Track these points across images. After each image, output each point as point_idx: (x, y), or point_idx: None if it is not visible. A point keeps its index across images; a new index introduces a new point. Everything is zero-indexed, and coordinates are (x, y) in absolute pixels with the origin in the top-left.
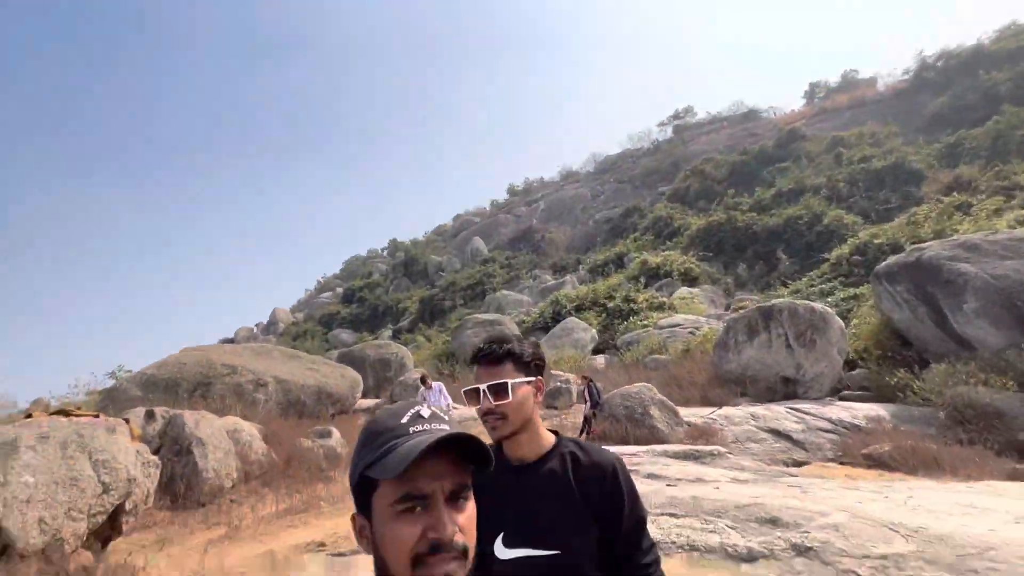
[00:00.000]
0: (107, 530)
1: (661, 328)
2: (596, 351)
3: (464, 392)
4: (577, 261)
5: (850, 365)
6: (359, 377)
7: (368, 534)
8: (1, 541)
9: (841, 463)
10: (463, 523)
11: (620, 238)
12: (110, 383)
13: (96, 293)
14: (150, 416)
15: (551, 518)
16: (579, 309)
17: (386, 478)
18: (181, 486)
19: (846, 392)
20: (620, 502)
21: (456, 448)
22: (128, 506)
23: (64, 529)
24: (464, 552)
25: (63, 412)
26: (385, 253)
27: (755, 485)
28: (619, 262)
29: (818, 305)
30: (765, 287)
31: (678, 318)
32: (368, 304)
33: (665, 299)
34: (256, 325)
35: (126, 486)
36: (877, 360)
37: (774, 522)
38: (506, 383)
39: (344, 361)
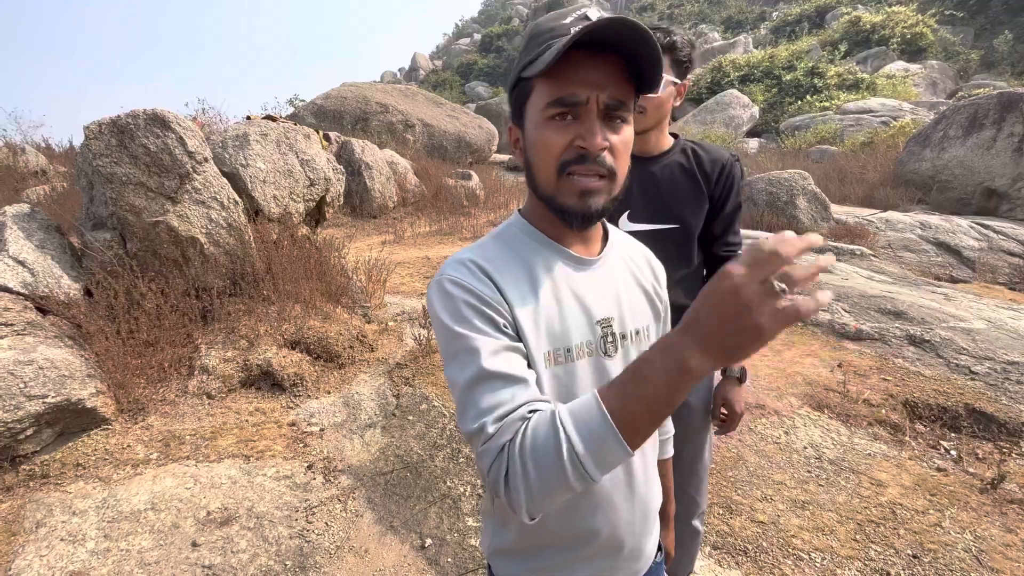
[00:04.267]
0: (316, 215)
1: (845, 113)
2: (751, 134)
3: None
4: (761, 15)
5: None
6: (495, 130)
7: (521, 144)
8: (254, 207)
9: (1012, 288)
10: (616, 143)
11: None
12: (290, 110)
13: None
14: (326, 139)
15: (675, 198)
16: (745, 80)
17: (536, 73)
18: (357, 200)
19: None
20: (731, 189)
21: (623, 58)
22: (328, 199)
23: (290, 206)
24: (612, 173)
25: (270, 118)
26: None
27: (891, 285)
28: (818, 19)
29: None
30: None
31: (873, 102)
32: (506, 55)
33: (866, 75)
34: (399, 70)
35: (324, 183)
36: None
37: (898, 315)
38: (672, 81)
39: (481, 114)
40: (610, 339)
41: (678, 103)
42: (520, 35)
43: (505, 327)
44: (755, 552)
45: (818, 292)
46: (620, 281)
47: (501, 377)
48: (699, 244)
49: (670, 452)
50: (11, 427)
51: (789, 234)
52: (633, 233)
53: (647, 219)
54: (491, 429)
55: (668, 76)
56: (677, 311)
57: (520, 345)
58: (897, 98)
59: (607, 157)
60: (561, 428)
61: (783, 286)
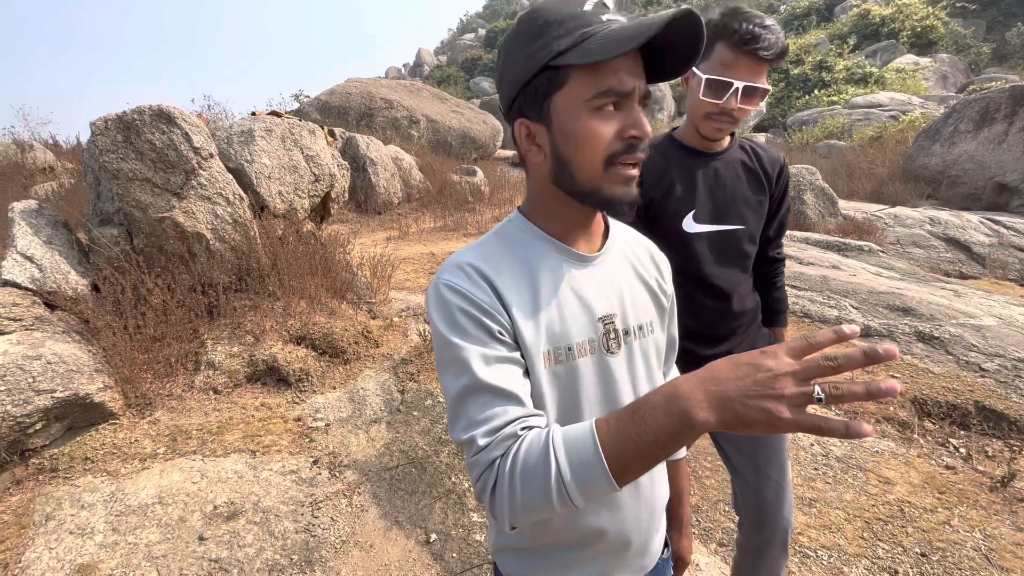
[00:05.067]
0: (321, 211)
1: (853, 107)
2: (758, 128)
3: (707, 80)
4: (769, 8)
5: None
6: (500, 126)
7: (543, 140)
8: (259, 203)
9: (1023, 284)
10: (647, 130)
11: None
12: (295, 105)
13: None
14: (331, 135)
15: (740, 198)
16: None
17: (603, 58)
18: (361, 196)
19: None
20: (786, 190)
21: (652, 50)
22: (333, 195)
23: (295, 202)
24: (641, 161)
25: (275, 114)
26: None
27: (899, 281)
28: (827, 12)
29: None
30: None
31: (882, 96)
32: None
33: (875, 69)
34: (404, 66)
35: (329, 179)
36: None
37: (907, 311)
38: (767, 90)
39: (486, 110)
40: (612, 336)
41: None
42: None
43: (501, 334)
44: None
45: (861, 423)
46: (622, 276)
47: (493, 390)
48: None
49: (683, 453)
50: (20, 421)
51: (853, 333)
52: (697, 235)
53: (712, 219)
54: (481, 442)
55: (768, 87)
56: (738, 317)
57: (517, 355)
58: (907, 92)
59: (644, 144)
60: (552, 453)
61: (821, 395)
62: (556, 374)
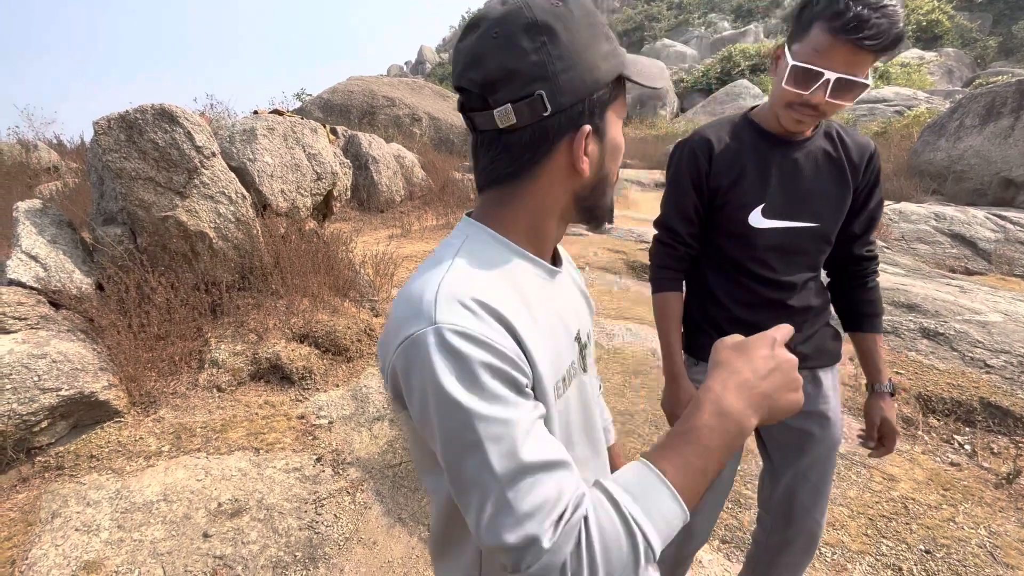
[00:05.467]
0: (323, 209)
1: (858, 103)
2: None
3: (793, 68)
4: (773, 2)
5: None
6: None
7: (594, 151)
8: (261, 201)
9: None
10: None
11: None
12: (297, 104)
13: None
14: (333, 133)
15: (818, 192)
16: (756, 70)
17: (656, 86)
18: (364, 194)
19: None
20: (876, 181)
21: None
22: (335, 193)
23: (297, 200)
24: None
25: (277, 112)
26: None
27: (904, 277)
28: None
29: None
30: None
31: (887, 91)
32: None
33: (879, 64)
34: (405, 63)
35: (332, 177)
36: None
37: (912, 308)
38: (865, 84)
39: None
40: (582, 352)
41: None
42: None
43: (528, 386)
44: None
45: None
46: (570, 286)
47: (543, 466)
48: (834, 244)
49: (613, 438)
50: (26, 419)
51: None
52: (765, 231)
53: (783, 215)
54: (547, 543)
55: (869, 81)
56: (802, 313)
57: (541, 404)
58: (912, 87)
59: None
60: (635, 526)
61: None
62: (560, 410)
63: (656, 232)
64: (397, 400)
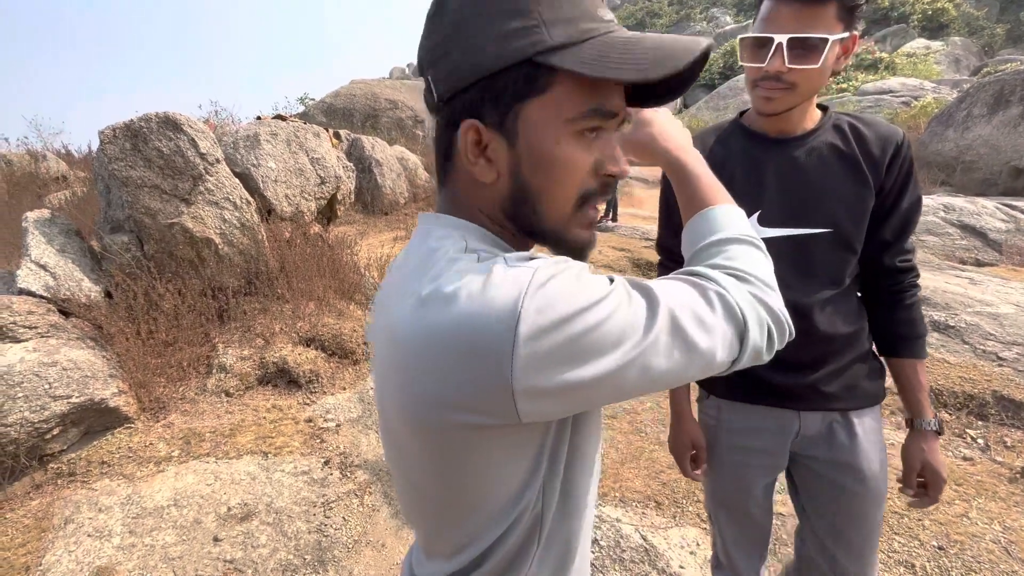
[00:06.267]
0: (328, 212)
1: (864, 94)
2: None
3: (741, 40)
4: None
5: None
6: None
7: (500, 156)
8: (266, 206)
9: None
10: None
11: None
12: (300, 108)
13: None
14: (337, 137)
15: (826, 193)
16: None
17: (632, 78)
18: (368, 197)
19: None
20: (908, 178)
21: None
22: (339, 197)
23: (302, 204)
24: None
25: (280, 117)
26: None
27: None
28: None
29: None
30: None
31: (893, 82)
32: None
33: (885, 55)
34: (408, 65)
35: (335, 181)
36: None
37: (921, 301)
38: (824, 39)
39: None
40: None
41: (846, 63)
42: None
43: None
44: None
45: None
46: None
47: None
48: (861, 254)
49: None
50: (38, 427)
51: None
52: (769, 240)
53: (785, 221)
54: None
55: (835, 35)
56: (825, 342)
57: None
58: (918, 77)
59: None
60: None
61: None
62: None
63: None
64: None
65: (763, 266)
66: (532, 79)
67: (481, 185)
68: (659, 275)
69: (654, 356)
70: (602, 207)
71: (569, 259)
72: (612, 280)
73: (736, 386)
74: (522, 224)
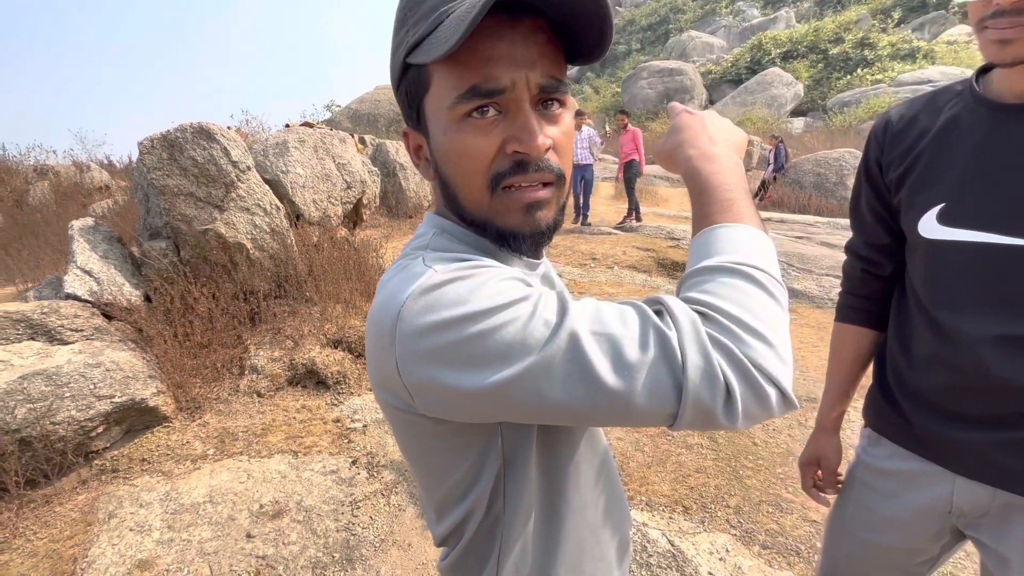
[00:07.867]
0: (354, 217)
1: (900, 85)
2: (796, 113)
3: None
4: None
5: None
6: None
7: (429, 153)
8: (294, 211)
9: None
10: (557, 138)
11: None
12: (327, 115)
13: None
14: (362, 142)
15: None
16: (787, 57)
17: (434, 58)
18: (392, 200)
19: None
20: None
21: (548, 18)
22: (365, 201)
23: (329, 209)
24: (560, 178)
25: (308, 124)
26: None
27: None
28: None
29: None
30: None
31: (932, 71)
32: None
33: (923, 43)
34: None
35: (361, 186)
36: None
37: None
38: None
39: None
40: None
41: None
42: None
43: None
44: (808, 552)
45: None
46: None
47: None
48: None
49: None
50: (84, 425)
51: None
52: (941, 244)
53: (983, 223)
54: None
55: None
56: (1015, 397)
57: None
58: (959, 66)
59: (552, 158)
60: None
61: None
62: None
63: None
64: None
65: (755, 306)
66: (417, 80)
67: (435, 186)
68: (846, 283)
69: (546, 381)
70: (537, 190)
71: (493, 265)
72: (530, 296)
73: (884, 416)
74: (461, 215)
